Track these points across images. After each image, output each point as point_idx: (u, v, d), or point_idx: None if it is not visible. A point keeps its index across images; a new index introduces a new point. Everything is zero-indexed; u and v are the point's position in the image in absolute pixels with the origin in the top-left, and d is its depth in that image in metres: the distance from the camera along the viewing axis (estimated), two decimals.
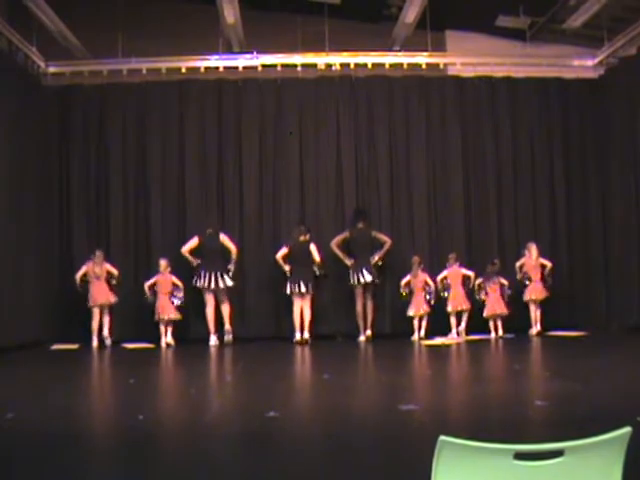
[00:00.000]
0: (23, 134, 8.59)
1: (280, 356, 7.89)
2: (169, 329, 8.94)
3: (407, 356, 7.97)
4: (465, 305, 8.99)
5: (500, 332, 8.91)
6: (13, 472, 3.27)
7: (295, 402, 5.66)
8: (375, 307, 9.17)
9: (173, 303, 8.89)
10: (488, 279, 9.01)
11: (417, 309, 9.00)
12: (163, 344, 8.80)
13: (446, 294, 9.05)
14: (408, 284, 9.07)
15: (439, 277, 9.08)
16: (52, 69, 9.58)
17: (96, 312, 8.83)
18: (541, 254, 9.09)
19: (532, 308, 9.00)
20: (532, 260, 9.05)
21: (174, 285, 8.93)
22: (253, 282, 9.44)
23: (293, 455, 3.85)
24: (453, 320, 9.03)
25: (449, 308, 9.03)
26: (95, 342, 8.75)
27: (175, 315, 8.92)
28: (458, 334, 8.89)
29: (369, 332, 8.97)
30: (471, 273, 9.09)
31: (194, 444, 4.06)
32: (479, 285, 9.05)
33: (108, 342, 8.81)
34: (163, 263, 8.95)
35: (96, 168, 9.59)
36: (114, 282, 8.92)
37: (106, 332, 8.84)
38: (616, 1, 8.34)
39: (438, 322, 9.32)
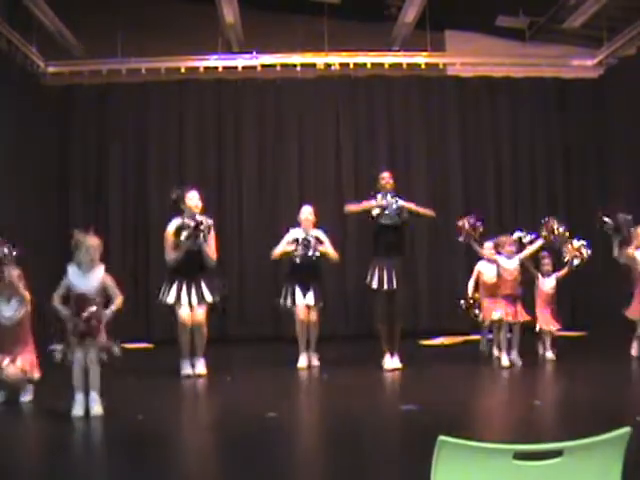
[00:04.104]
0: (23, 134, 8.59)
1: (279, 357, 7.88)
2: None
3: (407, 356, 7.96)
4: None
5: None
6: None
7: (294, 402, 5.66)
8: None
9: None
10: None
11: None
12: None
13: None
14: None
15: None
16: (52, 69, 9.57)
17: None
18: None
19: None
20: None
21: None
22: (252, 283, 9.42)
23: (293, 455, 3.85)
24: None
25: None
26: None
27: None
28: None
29: (396, 359, 6.63)
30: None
31: (195, 445, 4.06)
32: None
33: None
34: None
35: (96, 168, 9.59)
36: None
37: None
38: (616, 1, 8.34)
39: (438, 321, 9.34)
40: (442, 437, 1.60)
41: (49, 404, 4.98)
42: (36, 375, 5.21)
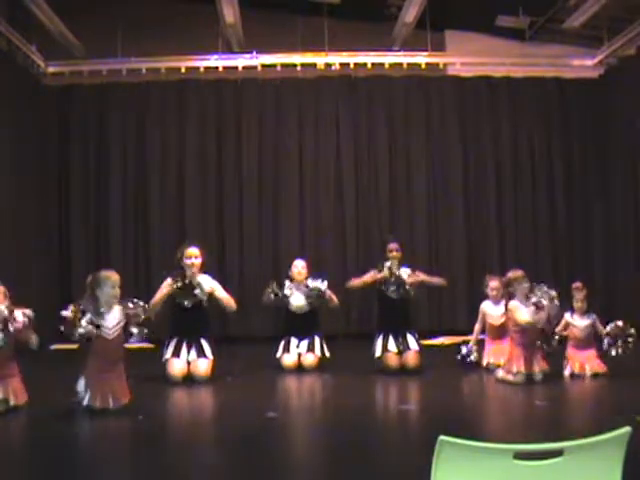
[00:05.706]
0: (23, 134, 8.59)
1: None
2: None
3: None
4: None
5: None
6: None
7: (294, 402, 5.66)
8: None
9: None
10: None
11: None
12: None
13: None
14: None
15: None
16: (52, 69, 9.58)
17: None
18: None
19: None
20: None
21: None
22: (252, 286, 9.39)
23: (292, 455, 3.85)
24: None
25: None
26: None
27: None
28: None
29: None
30: None
31: (195, 445, 4.06)
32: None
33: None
34: None
35: (96, 168, 9.59)
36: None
37: None
38: (616, 1, 8.34)
39: (438, 321, 9.34)
40: (442, 437, 1.60)
41: (47, 404, 4.98)
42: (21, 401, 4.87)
